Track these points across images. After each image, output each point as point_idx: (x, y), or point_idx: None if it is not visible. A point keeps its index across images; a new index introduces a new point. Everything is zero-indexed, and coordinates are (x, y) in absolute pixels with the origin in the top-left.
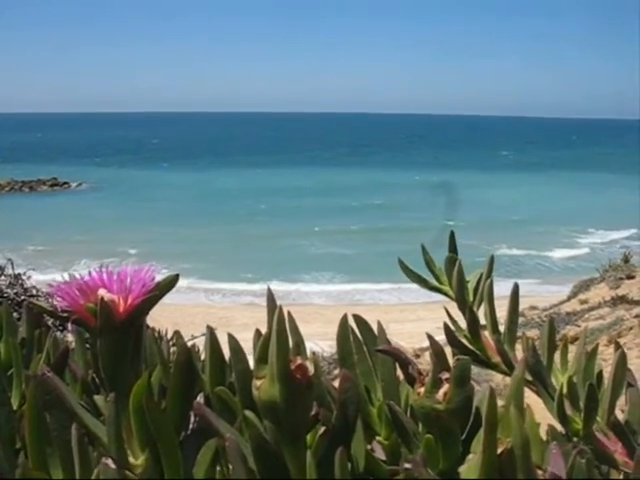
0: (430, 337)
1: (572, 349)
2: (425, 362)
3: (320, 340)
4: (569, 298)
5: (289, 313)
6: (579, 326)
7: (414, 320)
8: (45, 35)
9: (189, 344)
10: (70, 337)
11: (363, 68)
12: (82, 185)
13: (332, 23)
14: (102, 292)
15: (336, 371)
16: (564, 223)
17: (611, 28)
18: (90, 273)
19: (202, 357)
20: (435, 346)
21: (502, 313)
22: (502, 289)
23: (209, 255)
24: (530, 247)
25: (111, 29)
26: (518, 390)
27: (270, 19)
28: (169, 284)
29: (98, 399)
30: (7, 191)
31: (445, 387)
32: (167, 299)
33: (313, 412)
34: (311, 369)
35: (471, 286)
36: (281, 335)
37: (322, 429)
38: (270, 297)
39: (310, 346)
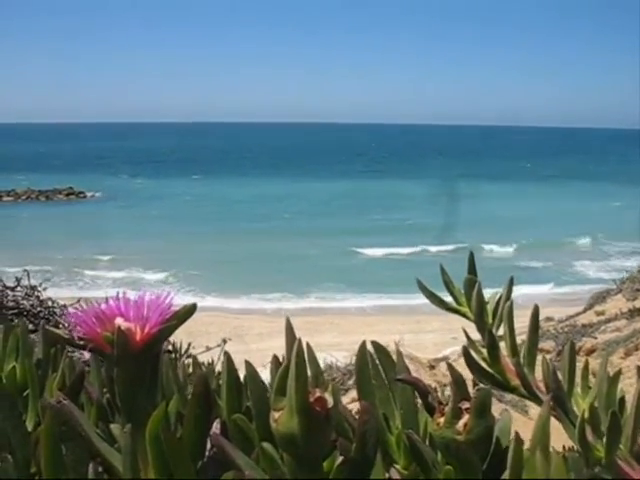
0: (450, 366)
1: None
2: (440, 374)
3: (334, 351)
4: (585, 310)
5: (308, 345)
6: (595, 338)
7: (429, 331)
8: (53, 45)
9: (204, 356)
10: (86, 354)
11: (373, 79)
12: (97, 195)
13: (341, 31)
14: (119, 321)
15: (350, 381)
16: (583, 234)
17: (611, 37)
18: (107, 300)
19: (217, 368)
20: (455, 375)
21: (517, 325)
22: (517, 299)
23: (223, 266)
24: (547, 258)
25: (118, 39)
26: (544, 431)
27: (280, 27)
28: (187, 313)
29: (114, 428)
30: (24, 200)
31: (465, 417)
32: None
33: (332, 439)
34: (330, 401)
35: (490, 307)
36: (300, 367)
37: (340, 459)
38: (289, 328)
39: (324, 357)
